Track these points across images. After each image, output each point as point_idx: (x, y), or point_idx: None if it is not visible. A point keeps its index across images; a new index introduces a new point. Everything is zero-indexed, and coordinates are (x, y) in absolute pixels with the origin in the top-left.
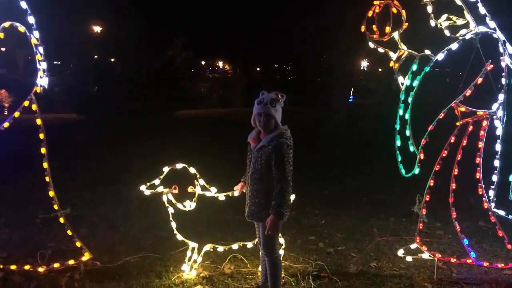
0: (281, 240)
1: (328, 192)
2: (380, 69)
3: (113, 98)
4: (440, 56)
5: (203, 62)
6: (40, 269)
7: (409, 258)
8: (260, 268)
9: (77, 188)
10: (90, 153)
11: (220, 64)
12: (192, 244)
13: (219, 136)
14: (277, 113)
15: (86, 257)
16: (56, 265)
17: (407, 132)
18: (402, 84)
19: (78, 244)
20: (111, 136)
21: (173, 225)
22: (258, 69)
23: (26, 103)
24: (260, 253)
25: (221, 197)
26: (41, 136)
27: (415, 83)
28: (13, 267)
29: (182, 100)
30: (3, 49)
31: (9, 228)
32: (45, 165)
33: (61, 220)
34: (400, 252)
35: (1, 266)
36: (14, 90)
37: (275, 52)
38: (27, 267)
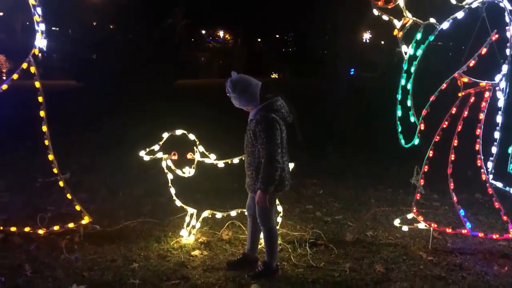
0: (279, 208)
1: (327, 162)
2: (382, 42)
3: (112, 65)
4: (445, 25)
5: (203, 32)
6: (40, 231)
7: (405, 228)
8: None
9: (77, 154)
10: (89, 120)
11: (221, 33)
12: (190, 210)
13: (218, 105)
14: (239, 98)
15: (85, 220)
16: (56, 227)
17: (409, 102)
18: (406, 53)
19: (77, 207)
20: (111, 103)
21: (172, 191)
22: (259, 39)
23: (24, 65)
24: (248, 221)
25: (220, 164)
26: (40, 99)
27: (419, 52)
28: (13, 229)
29: (182, 69)
30: (1, 13)
31: (9, 191)
32: (44, 128)
33: (61, 183)
34: (396, 222)
35: (1, 228)
36: (12, 55)
37: (276, 22)
38: (27, 229)
